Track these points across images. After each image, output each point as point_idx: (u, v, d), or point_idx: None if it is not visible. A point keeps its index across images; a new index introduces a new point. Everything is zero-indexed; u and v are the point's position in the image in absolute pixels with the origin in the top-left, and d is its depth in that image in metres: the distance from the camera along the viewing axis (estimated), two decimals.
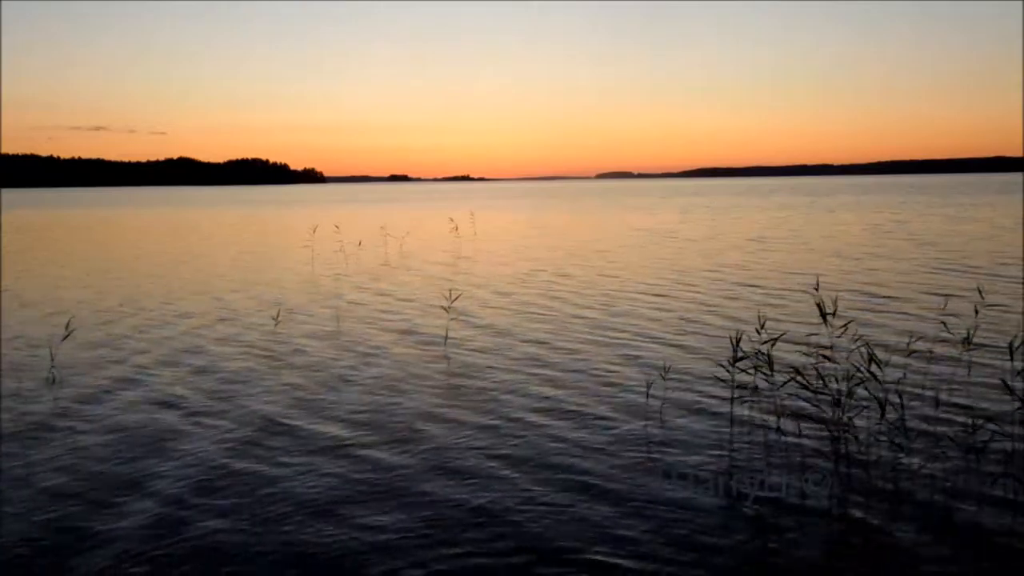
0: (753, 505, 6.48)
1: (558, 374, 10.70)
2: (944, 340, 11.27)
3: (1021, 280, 18.38)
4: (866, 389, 8.33)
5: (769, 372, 8.71)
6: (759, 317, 10.28)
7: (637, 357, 11.53)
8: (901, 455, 7.38)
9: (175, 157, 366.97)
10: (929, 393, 9.25)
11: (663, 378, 9.94)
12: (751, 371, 9.06)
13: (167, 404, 9.60)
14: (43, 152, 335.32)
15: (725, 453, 7.67)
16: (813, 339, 11.46)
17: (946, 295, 16.02)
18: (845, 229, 37.06)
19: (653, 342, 12.54)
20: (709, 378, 10.15)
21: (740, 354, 8.87)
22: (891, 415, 8.05)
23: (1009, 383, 8.24)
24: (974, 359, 10.53)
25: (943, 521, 6.15)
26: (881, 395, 8.00)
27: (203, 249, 32.47)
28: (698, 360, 11.24)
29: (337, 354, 12.16)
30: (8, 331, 14.30)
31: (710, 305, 15.96)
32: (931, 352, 10.90)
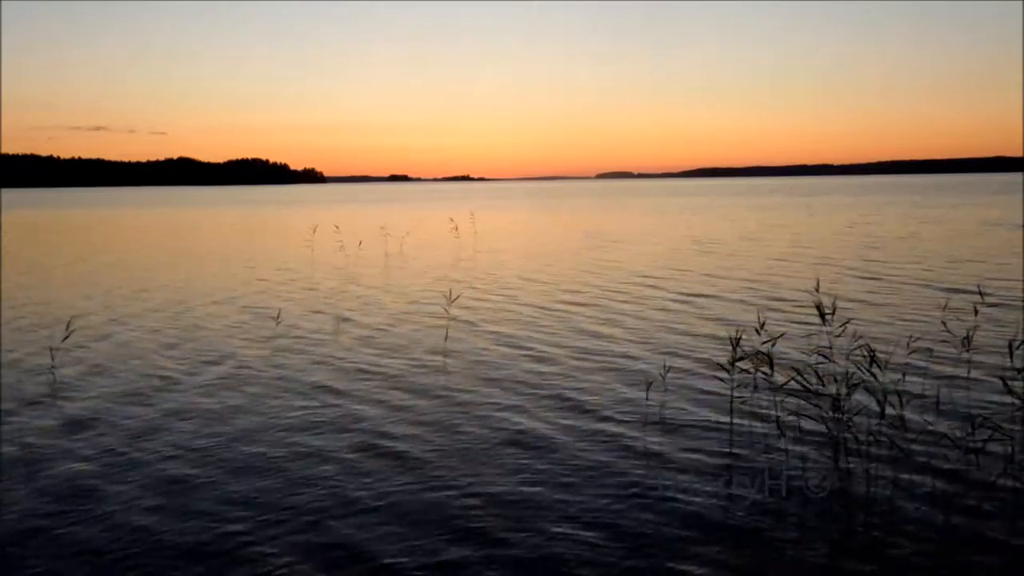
0: (753, 505, 6.49)
1: (557, 374, 10.71)
2: (945, 340, 11.30)
3: (1019, 281, 18.39)
4: (866, 389, 8.35)
5: (769, 372, 8.73)
6: (758, 317, 10.33)
7: (637, 357, 11.53)
8: (901, 455, 7.39)
9: (175, 157, 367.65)
10: (930, 393, 9.26)
11: (663, 378, 9.97)
12: (751, 371, 9.09)
13: (166, 403, 9.61)
14: (43, 152, 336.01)
15: (725, 452, 7.68)
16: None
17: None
18: (838, 229, 37.08)
19: (654, 341, 12.54)
20: (709, 378, 10.16)
21: (739, 354, 8.88)
22: (891, 415, 8.06)
23: (1009, 383, 8.26)
24: (973, 359, 10.54)
25: (943, 521, 6.15)
26: (880, 395, 8.01)
27: (203, 249, 32.47)
28: (699, 360, 11.24)
29: (337, 353, 12.17)
30: (8, 330, 14.30)
31: (708, 306, 15.97)
32: (931, 352, 10.92)
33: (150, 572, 5.58)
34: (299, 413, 9.16)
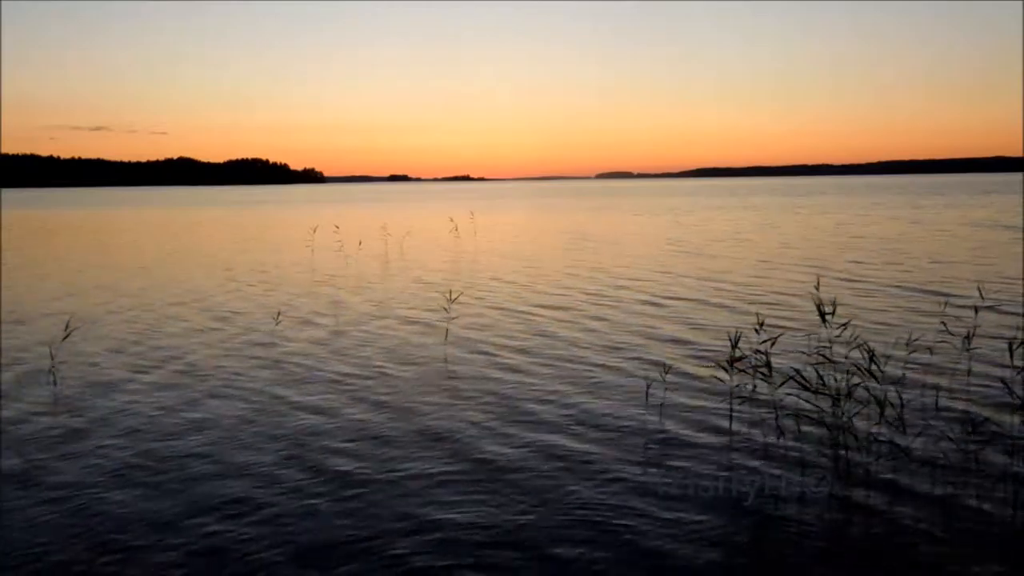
0: (753, 505, 6.49)
1: (557, 374, 10.71)
2: (945, 341, 11.29)
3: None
4: (865, 389, 8.35)
5: (768, 372, 8.73)
6: (757, 318, 10.32)
7: (636, 357, 11.53)
8: (901, 455, 7.38)
9: (175, 157, 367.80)
10: (930, 393, 9.26)
11: (663, 378, 9.96)
12: (750, 371, 9.09)
13: (166, 403, 9.61)
14: (43, 152, 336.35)
15: (725, 453, 7.67)
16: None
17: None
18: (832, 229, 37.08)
19: (653, 342, 12.53)
20: (709, 378, 10.15)
21: (738, 354, 8.88)
22: (891, 415, 8.06)
23: (1009, 383, 8.26)
24: (975, 358, 10.53)
25: (943, 521, 6.15)
26: (880, 395, 8.01)
27: (204, 249, 32.46)
28: (698, 360, 11.23)
29: (337, 353, 12.16)
30: (8, 330, 14.30)
31: (708, 306, 15.97)
32: (931, 352, 10.92)
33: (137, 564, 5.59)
34: (299, 413, 9.16)
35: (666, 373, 10.17)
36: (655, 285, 18.98)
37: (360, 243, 31.72)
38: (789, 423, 8.30)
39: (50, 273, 23.79)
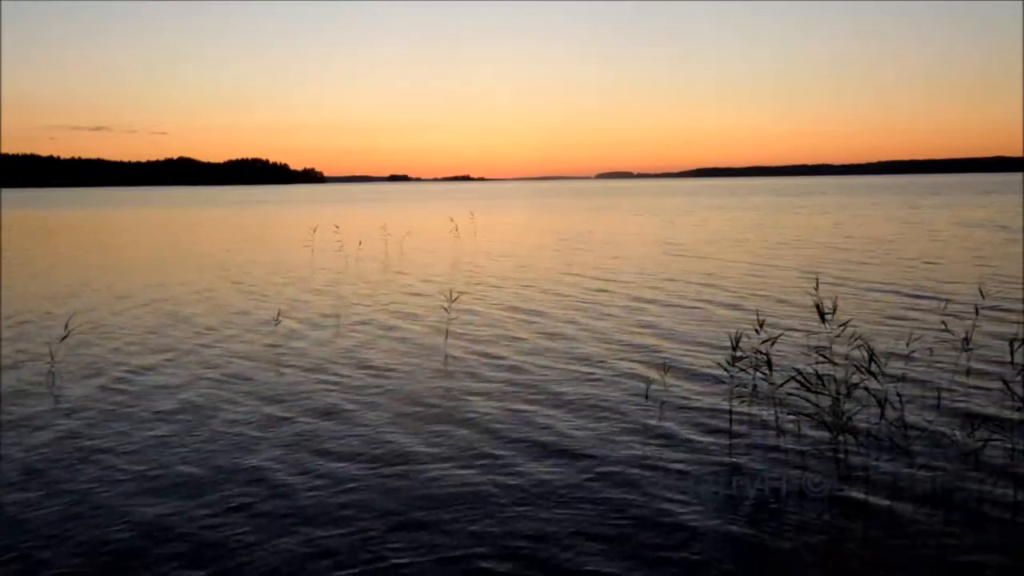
0: (753, 505, 6.48)
1: (557, 376, 10.70)
2: (945, 341, 11.28)
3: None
4: (865, 388, 8.34)
5: (768, 373, 8.73)
6: (756, 318, 10.32)
7: (636, 358, 11.52)
8: (901, 455, 7.38)
9: (175, 157, 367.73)
10: (930, 393, 9.26)
11: (663, 378, 9.96)
12: (749, 372, 9.08)
13: (166, 404, 9.61)
14: (43, 152, 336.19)
15: (725, 451, 7.67)
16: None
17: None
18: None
19: (652, 343, 12.53)
20: (708, 379, 10.15)
21: (738, 355, 8.88)
22: (891, 415, 8.06)
23: (1009, 383, 8.25)
24: (973, 360, 10.52)
25: (943, 521, 6.15)
26: (880, 395, 8.01)
27: (204, 249, 32.46)
28: (698, 361, 11.23)
29: (335, 354, 12.16)
30: (8, 330, 14.29)
31: (707, 307, 15.97)
32: (931, 352, 10.91)
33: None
34: (296, 415, 9.16)
35: (666, 373, 10.18)
36: (654, 285, 18.98)
37: (360, 243, 31.70)
38: (789, 423, 8.30)
39: (49, 273, 23.78)
